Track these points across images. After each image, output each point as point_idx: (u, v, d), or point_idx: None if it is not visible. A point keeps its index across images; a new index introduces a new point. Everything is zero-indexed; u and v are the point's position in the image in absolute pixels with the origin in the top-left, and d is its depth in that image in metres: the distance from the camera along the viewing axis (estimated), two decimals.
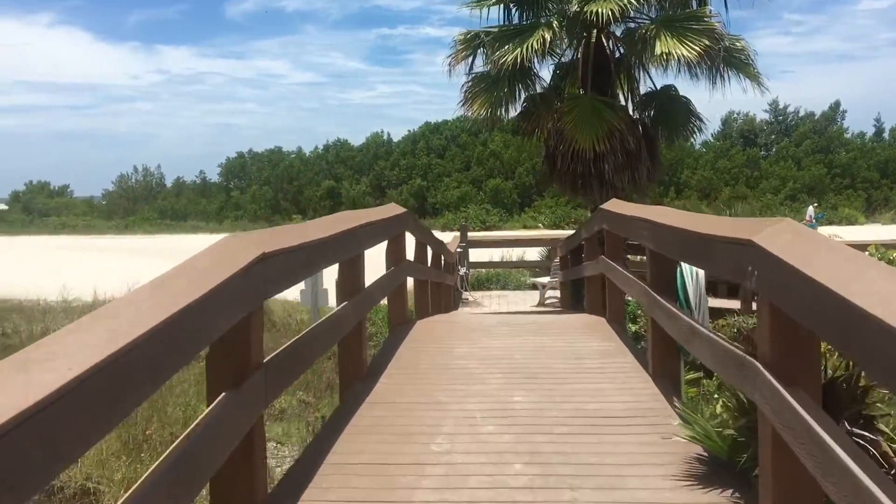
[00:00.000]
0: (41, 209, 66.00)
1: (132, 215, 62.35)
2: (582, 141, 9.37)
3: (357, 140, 68.83)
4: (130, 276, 17.53)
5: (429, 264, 8.49)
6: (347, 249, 4.16)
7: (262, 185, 64.01)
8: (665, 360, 4.55)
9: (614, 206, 6.14)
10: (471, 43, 10.74)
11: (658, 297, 4.36)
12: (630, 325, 7.40)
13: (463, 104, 10.79)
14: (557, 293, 12.97)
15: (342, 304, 4.27)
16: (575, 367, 4.96)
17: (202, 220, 60.15)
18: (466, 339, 5.94)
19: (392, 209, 5.96)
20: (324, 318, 4.07)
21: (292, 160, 66.55)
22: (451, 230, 45.09)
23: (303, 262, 3.20)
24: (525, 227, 52.74)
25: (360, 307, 4.45)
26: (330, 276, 5.64)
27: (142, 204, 64.89)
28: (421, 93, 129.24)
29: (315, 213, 60.88)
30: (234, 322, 2.35)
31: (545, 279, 13.41)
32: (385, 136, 67.30)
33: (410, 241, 6.95)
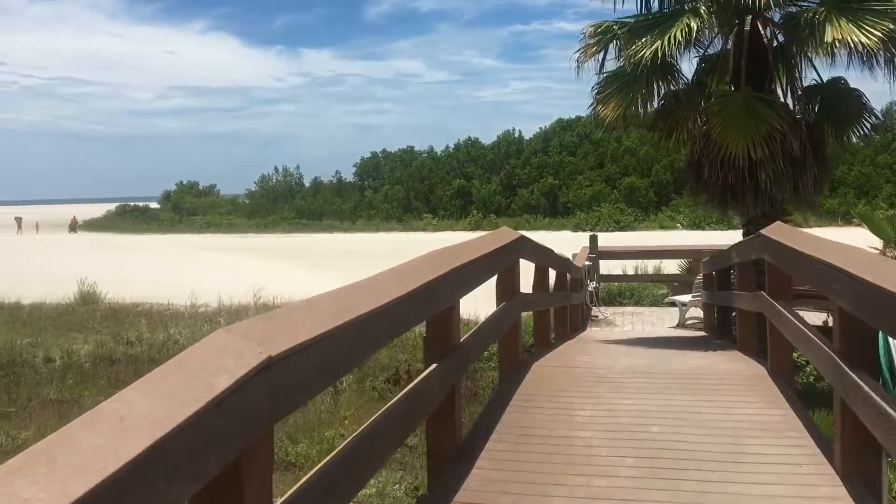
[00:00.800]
0: (189, 208, 69.91)
1: (272, 214, 64.77)
2: (734, 146, 8.01)
3: (488, 138, 68.33)
4: (258, 279, 17.69)
5: (551, 288, 7.49)
6: (434, 302, 3.31)
7: (394, 185, 64.71)
8: (860, 455, 3.34)
9: (781, 234, 4.89)
10: (602, 37, 9.53)
11: (852, 375, 3.17)
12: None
13: (593, 106, 9.63)
14: (699, 313, 11.55)
15: (431, 368, 3.40)
16: (731, 450, 3.82)
17: (336, 220, 61.56)
18: (590, 395, 4.90)
19: (502, 237, 5.01)
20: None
21: (424, 159, 66.87)
22: (584, 230, 43.61)
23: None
24: (662, 228, 50.19)
25: (449, 372, 3.55)
26: None
27: (281, 203, 67.29)
28: (554, 88, 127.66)
29: (445, 211, 60.93)
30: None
31: (685, 297, 12.01)
32: (516, 134, 66.31)
33: (527, 266, 5.99)
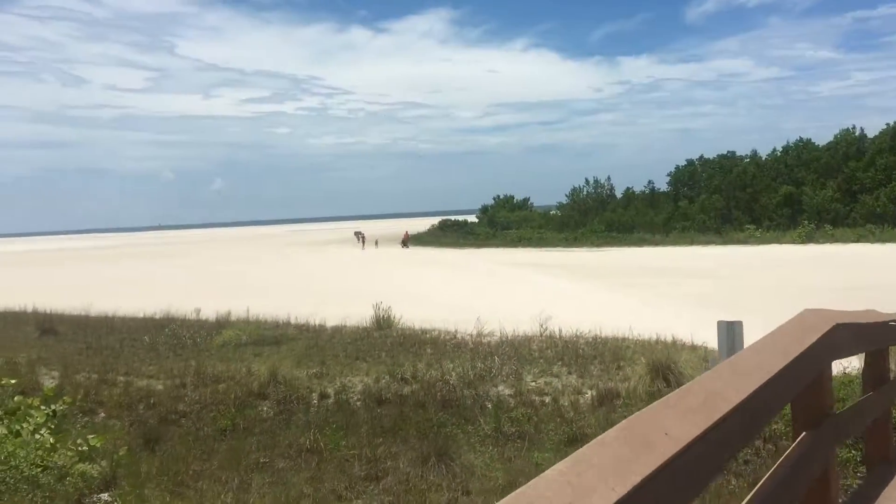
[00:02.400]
0: (503, 222, 72.32)
1: (582, 227, 64.29)
2: None
3: (822, 138, 60.52)
4: (550, 304, 16.91)
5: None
6: None
7: (711, 194, 60.31)
8: None
9: None
10: None
11: None
12: None
13: None
14: None
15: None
16: None
17: (648, 232, 59.07)
18: None
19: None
20: None
21: (746, 165, 61.41)
22: None
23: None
24: None
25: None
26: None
27: (592, 215, 66.50)
28: None
29: (771, 222, 55.07)
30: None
31: None
32: (857, 132, 57.77)
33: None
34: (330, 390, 9.81)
